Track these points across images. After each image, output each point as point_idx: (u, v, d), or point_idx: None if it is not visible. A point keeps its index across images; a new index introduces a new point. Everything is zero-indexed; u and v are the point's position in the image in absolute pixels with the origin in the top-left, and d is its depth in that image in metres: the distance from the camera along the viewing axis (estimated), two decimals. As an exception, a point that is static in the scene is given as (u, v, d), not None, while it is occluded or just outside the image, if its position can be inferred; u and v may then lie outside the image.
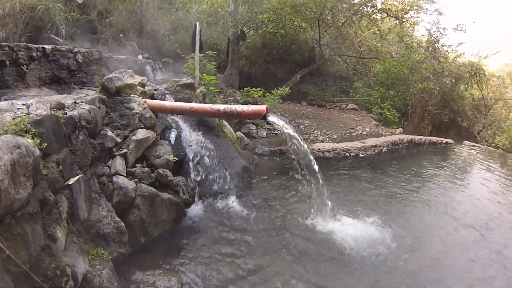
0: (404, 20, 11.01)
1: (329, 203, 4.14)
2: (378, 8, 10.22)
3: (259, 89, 8.11)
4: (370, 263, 3.30)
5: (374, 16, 10.48)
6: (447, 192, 5.58)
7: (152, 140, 3.76)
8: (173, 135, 4.37)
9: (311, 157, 4.33)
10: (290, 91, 9.20)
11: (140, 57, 7.31)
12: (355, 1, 9.85)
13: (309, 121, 9.45)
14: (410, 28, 12.83)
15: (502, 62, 16.99)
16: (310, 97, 11.77)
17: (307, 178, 4.21)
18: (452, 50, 12.78)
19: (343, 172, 6.20)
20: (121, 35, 8.40)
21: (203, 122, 5.13)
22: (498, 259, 3.61)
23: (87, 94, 3.80)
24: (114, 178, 3.02)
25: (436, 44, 12.41)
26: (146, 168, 3.40)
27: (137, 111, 3.71)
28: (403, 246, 3.68)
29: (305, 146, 4.30)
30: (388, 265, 3.29)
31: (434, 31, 12.47)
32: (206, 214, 4.07)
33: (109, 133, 3.26)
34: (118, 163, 3.14)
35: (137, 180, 3.19)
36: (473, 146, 9.99)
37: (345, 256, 3.42)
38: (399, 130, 10.36)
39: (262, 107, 3.85)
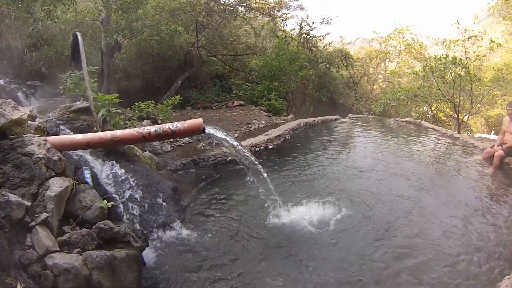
0: (276, 17, 11.66)
1: (278, 197, 4.10)
2: (252, 7, 10.46)
3: (150, 102, 7.30)
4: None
5: (247, 15, 10.73)
6: (345, 154, 6.91)
7: (70, 189, 2.77)
8: (87, 174, 3.37)
9: (253, 158, 4.09)
10: (181, 98, 8.60)
11: (1, 81, 5.50)
12: (231, 2, 9.84)
13: (205, 126, 9.03)
14: (283, 23, 13.76)
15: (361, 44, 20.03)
16: (193, 101, 11.35)
17: (254, 180, 4.09)
18: (320, 40, 14.34)
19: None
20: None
21: (112, 150, 4.17)
22: (376, 185, 5.11)
23: None
24: (48, 261, 1.99)
25: (307, 36, 13.64)
26: (84, 229, 2.45)
27: (40, 156, 2.64)
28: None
29: (246, 151, 3.99)
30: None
31: (304, 25, 13.65)
32: (162, 254, 3.32)
33: (11, 197, 2.18)
34: (42, 237, 2.11)
35: (79, 249, 2.24)
36: (357, 116, 11.44)
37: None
38: (291, 116, 10.87)
39: (198, 121, 3.29)
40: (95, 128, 4.26)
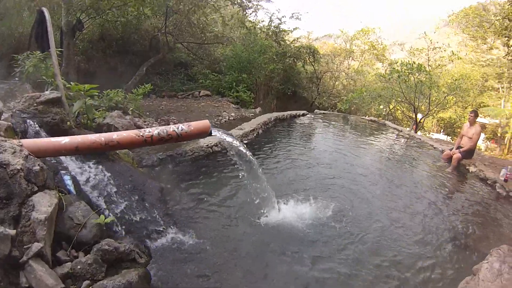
0: (246, 7, 11.18)
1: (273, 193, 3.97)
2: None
3: (119, 90, 6.56)
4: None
5: (218, 3, 10.13)
6: (316, 150, 6.99)
7: (57, 204, 2.24)
8: (68, 181, 2.82)
9: (252, 157, 3.83)
10: (152, 87, 7.92)
11: None
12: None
13: (175, 116, 8.43)
14: (252, 14, 13.31)
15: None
16: (158, 89, 10.61)
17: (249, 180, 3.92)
18: (288, 34, 14.13)
19: (230, 161, 5.89)
20: None
21: (90, 149, 3.57)
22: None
23: None
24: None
25: (276, 30, 13.35)
26: (88, 256, 1.95)
27: (17, 167, 2.06)
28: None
29: (248, 152, 3.65)
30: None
31: (274, 18, 13.35)
32: (162, 265, 2.91)
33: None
34: (41, 274, 1.60)
35: (88, 281, 1.77)
36: (323, 112, 11.52)
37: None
38: (258, 109, 10.69)
39: (205, 123, 2.91)
40: (68, 123, 3.59)
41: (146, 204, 3.50)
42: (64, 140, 2.46)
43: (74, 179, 2.90)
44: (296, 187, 4.76)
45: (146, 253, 2.48)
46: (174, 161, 5.50)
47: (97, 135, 2.61)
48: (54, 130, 3.39)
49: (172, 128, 2.71)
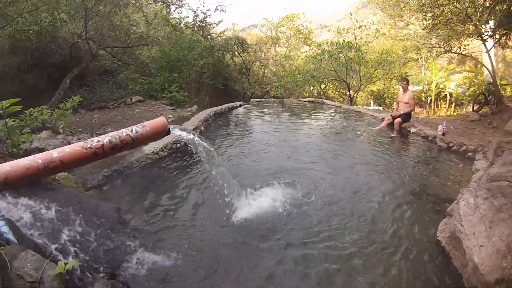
0: (170, 3, 10.54)
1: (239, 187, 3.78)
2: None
3: (44, 107, 5.72)
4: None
5: (140, 1, 9.36)
6: (259, 133, 7.10)
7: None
8: (4, 227, 2.21)
9: (216, 154, 3.54)
10: (81, 98, 7.08)
11: None
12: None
13: (112, 127, 7.73)
14: (176, 10, 12.63)
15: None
16: (86, 101, 9.63)
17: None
18: (214, 27, 13.74)
19: (190, 161, 5.46)
20: None
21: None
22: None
23: None
24: None
25: (202, 24, 12.86)
26: None
27: None
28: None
29: (213, 149, 3.36)
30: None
31: (199, 13, 12.87)
32: None
33: None
34: None
35: None
36: (259, 100, 11.55)
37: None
38: (195, 107, 10.35)
39: (162, 120, 2.54)
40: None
41: (107, 231, 3.01)
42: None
43: (10, 223, 2.31)
44: (255, 175, 4.67)
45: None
46: (122, 175, 4.92)
47: (31, 157, 2.10)
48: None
49: (124, 132, 2.31)
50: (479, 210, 2.52)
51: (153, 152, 5.66)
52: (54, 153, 2.11)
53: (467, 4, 7.95)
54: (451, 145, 5.84)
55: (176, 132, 2.78)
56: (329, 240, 3.02)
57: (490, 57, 8.72)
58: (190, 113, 9.01)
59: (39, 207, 2.50)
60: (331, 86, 15.61)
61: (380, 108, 14.87)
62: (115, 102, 9.96)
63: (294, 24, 17.09)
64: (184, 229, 3.36)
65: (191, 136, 2.91)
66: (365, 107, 15.33)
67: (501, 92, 9.15)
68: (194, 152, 3.18)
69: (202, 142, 3.10)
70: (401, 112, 7.20)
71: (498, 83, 9.17)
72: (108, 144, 2.25)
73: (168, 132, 2.61)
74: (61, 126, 5.69)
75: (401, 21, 15.87)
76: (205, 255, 2.89)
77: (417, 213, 3.51)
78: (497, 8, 7.33)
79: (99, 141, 2.24)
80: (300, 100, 12.20)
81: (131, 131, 2.36)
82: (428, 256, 2.77)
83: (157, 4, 10.66)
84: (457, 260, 2.55)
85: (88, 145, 2.20)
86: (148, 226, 3.51)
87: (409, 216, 3.44)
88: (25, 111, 5.36)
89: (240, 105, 10.64)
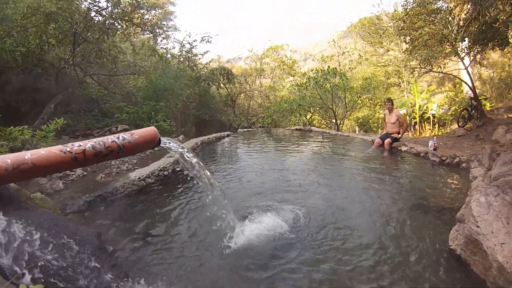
0: (156, 34, 10.66)
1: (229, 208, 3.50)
2: (134, 22, 9.17)
3: (25, 127, 5.47)
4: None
5: (127, 31, 9.38)
6: (247, 161, 6.94)
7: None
8: None
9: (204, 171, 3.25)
10: (64, 121, 6.82)
11: None
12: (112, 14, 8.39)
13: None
14: (163, 41, 12.78)
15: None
16: (70, 128, 9.31)
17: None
18: (199, 58, 13.89)
19: (178, 189, 5.25)
20: None
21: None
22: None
23: None
24: None
25: (189, 54, 13.00)
26: None
27: None
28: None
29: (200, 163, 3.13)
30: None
31: (186, 43, 13.03)
32: None
33: None
34: None
35: None
36: (247, 130, 11.47)
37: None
38: (181, 136, 10.18)
39: (152, 130, 2.33)
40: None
41: (85, 258, 2.67)
42: None
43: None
44: (246, 201, 4.43)
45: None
46: (106, 201, 4.59)
47: (0, 156, 1.84)
48: None
49: (110, 138, 2.07)
50: (492, 207, 2.41)
51: (139, 178, 5.38)
52: (27, 154, 1.84)
53: (442, 25, 8.32)
54: (443, 158, 5.80)
55: (166, 143, 2.56)
56: (332, 262, 2.79)
57: (469, 73, 8.96)
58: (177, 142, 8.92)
59: (8, 226, 2.19)
60: (317, 115, 15.67)
61: (366, 133, 15.08)
62: (100, 130, 9.69)
63: (278, 55, 17.44)
64: (174, 261, 3.04)
65: (181, 149, 2.70)
66: (352, 133, 15.50)
67: (482, 107, 9.40)
68: (185, 170, 2.95)
69: (192, 158, 2.89)
70: (390, 132, 7.37)
71: (479, 98, 9.46)
72: (91, 150, 2.00)
73: (158, 142, 2.40)
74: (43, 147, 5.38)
75: (381, 47, 16.48)
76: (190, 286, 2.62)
77: (423, 226, 3.36)
78: (470, 28, 7.66)
79: (80, 145, 1.99)
80: (288, 129, 12.22)
81: (118, 138, 2.13)
82: (444, 267, 2.55)
83: (144, 34, 10.72)
84: (477, 266, 2.34)
85: (68, 149, 1.94)
86: (132, 253, 3.18)
87: (416, 230, 3.27)
88: (5, 128, 5.08)
89: (228, 135, 10.57)
